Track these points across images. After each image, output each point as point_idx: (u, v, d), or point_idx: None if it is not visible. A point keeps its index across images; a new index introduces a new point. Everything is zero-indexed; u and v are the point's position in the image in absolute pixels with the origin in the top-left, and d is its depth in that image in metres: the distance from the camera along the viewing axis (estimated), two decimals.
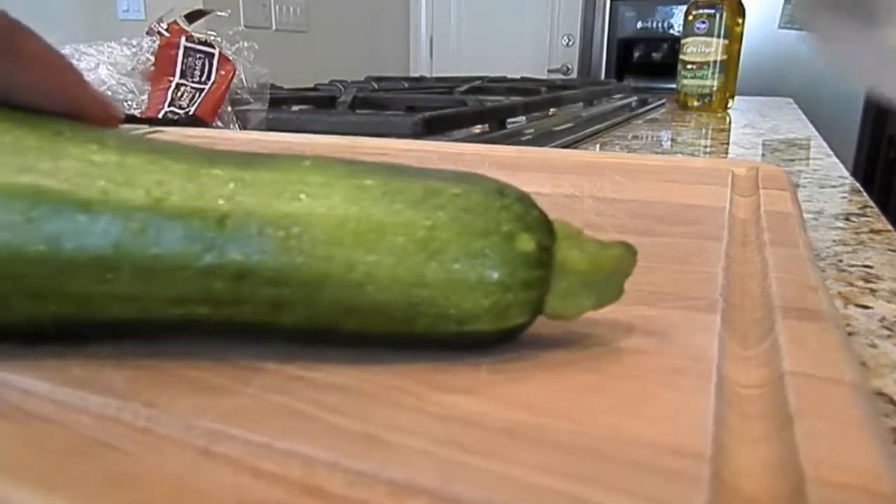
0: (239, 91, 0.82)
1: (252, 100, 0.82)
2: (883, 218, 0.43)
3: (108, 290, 0.16)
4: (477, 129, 0.78)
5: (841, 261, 0.34)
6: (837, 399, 0.16)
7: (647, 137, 0.85)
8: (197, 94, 0.79)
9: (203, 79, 0.80)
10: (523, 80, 1.49)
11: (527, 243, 0.17)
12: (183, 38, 0.81)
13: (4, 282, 0.16)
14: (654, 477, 0.13)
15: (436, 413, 0.15)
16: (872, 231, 0.40)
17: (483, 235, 0.17)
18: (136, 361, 0.18)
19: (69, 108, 0.18)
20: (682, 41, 1.18)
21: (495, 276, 0.16)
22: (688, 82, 1.18)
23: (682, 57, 1.18)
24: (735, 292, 0.24)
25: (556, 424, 0.15)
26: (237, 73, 0.81)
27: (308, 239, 0.16)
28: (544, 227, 0.18)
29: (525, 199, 0.18)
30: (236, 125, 0.79)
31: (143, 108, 0.77)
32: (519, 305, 0.17)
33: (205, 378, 0.17)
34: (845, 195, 0.51)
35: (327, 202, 0.16)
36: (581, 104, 1.12)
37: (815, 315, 0.21)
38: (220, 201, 0.16)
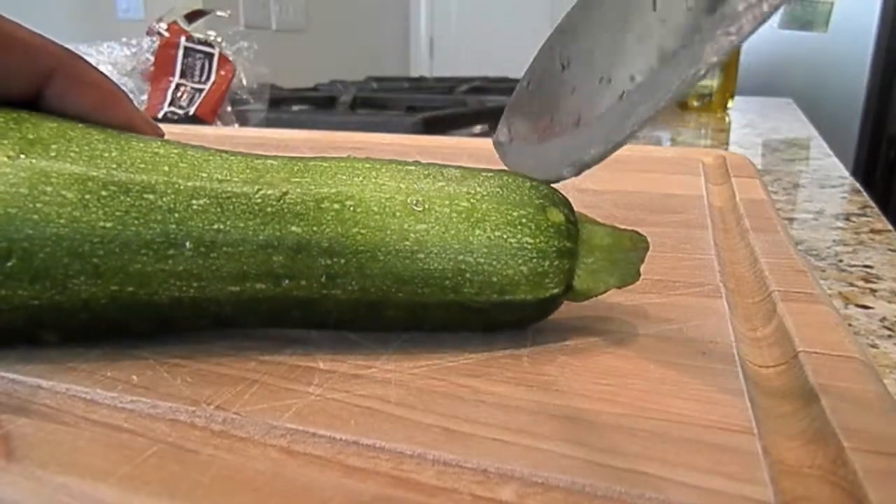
0: (239, 91, 0.82)
1: (252, 100, 0.82)
2: (883, 218, 0.43)
3: (169, 267, 0.17)
4: (477, 128, 0.78)
5: (841, 261, 0.34)
6: (851, 374, 0.17)
7: (647, 137, 0.85)
8: (197, 94, 0.79)
9: (203, 79, 0.80)
10: None
11: (557, 215, 0.19)
12: (183, 38, 0.80)
13: (70, 260, 0.16)
14: (714, 453, 0.14)
15: (496, 403, 0.16)
16: (872, 231, 0.40)
17: (519, 206, 0.18)
18: (188, 365, 0.18)
19: (123, 124, 0.19)
20: None
21: (532, 242, 0.18)
22: None
23: None
24: (730, 277, 0.25)
25: (610, 409, 0.16)
26: (237, 73, 0.81)
27: (362, 211, 0.17)
28: (569, 205, 0.20)
29: (547, 184, 0.20)
30: (236, 125, 0.79)
31: (143, 108, 0.77)
32: (553, 274, 0.18)
33: (262, 379, 0.17)
34: (845, 195, 0.51)
35: (377, 180, 0.18)
36: None
37: (810, 297, 0.22)
38: (279, 182, 0.18)
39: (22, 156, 0.16)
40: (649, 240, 0.20)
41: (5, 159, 0.16)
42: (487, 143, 0.53)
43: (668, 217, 0.32)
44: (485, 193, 0.18)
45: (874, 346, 0.24)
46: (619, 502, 0.12)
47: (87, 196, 0.16)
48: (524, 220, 0.18)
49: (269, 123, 0.77)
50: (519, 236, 0.18)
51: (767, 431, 0.15)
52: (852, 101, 2.04)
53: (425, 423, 0.15)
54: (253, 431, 0.15)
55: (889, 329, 0.26)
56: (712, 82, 1.15)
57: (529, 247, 0.18)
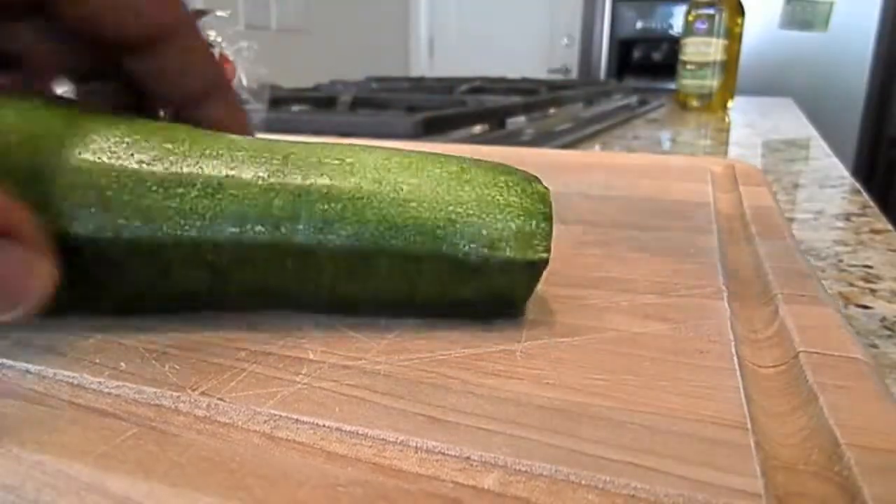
0: (239, 91, 0.82)
1: (252, 100, 0.82)
2: (883, 218, 0.43)
3: (176, 205, 0.18)
4: (477, 129, 0.78)
5: (841, 261, 0.34)
6: (852, 374, 0.17)
7: (647, 138, 0.85)
8: None
9: None
10: (523, 80, 1.49)
11: (542, 188, 0.20)
12: None
13: (84, 191, 0.18)
14: (704, 446, 0.14)
15: (486, 395, 0.16)
16: (872, 231, 0.40)
17: (506, 174, 0.20)
18: (178, 354, 0.18)
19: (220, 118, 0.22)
20: (682, 41, 1.18)
21: (518, 202, 0.19)
22: (688, 82, 1.18)
23: (681, 57, 1.18)
24: (733, 281, 0.24)
25: (602, 403, 0.15)
26: (237, 73, 0.81)
27: (360, 166, 0.19)
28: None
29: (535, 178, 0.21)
30: None
31: None
32: (541, 236, 0.19)
33: (251, 368, 0.17)
34: (845, 195, 0.51)
35: (373, 155, 0.20)
36: (581, 104, 1.12)
37: (813, 300, 0.22)
38: (284, 149, 0.20)
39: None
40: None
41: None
42: (504, 150, 0.53)
43: (673, 222, 0.32)
44: (475, 165, 0.20)
45: (874, 346, 0.24)
46: (604, 492, 0.12)
47: (109, 144, 0.18)
48: (511, 184, 0.20)
49: (269, 123, 0.77)
50: (506, 195, 0.19)
51: (763, 428, 0.15)
52: (852, 101, 2.04)
53: (411, 412, 0.15)
54: (236, 417, 0.15)
55: (889, 329, 0.26)
56: (713, 82, 1.15)
57: (516, 205, 0.19)
